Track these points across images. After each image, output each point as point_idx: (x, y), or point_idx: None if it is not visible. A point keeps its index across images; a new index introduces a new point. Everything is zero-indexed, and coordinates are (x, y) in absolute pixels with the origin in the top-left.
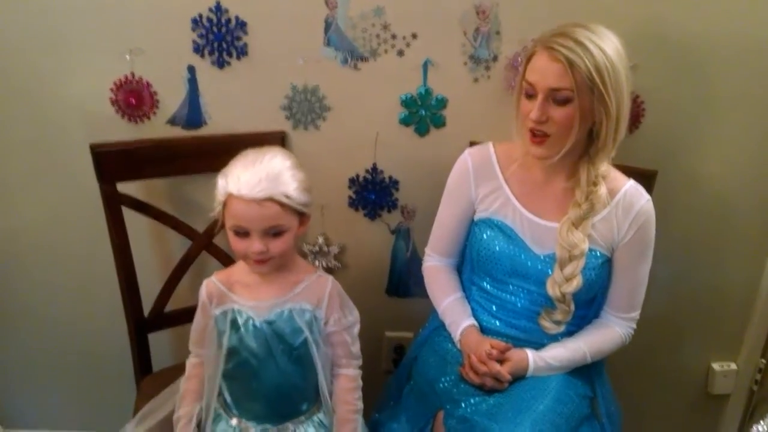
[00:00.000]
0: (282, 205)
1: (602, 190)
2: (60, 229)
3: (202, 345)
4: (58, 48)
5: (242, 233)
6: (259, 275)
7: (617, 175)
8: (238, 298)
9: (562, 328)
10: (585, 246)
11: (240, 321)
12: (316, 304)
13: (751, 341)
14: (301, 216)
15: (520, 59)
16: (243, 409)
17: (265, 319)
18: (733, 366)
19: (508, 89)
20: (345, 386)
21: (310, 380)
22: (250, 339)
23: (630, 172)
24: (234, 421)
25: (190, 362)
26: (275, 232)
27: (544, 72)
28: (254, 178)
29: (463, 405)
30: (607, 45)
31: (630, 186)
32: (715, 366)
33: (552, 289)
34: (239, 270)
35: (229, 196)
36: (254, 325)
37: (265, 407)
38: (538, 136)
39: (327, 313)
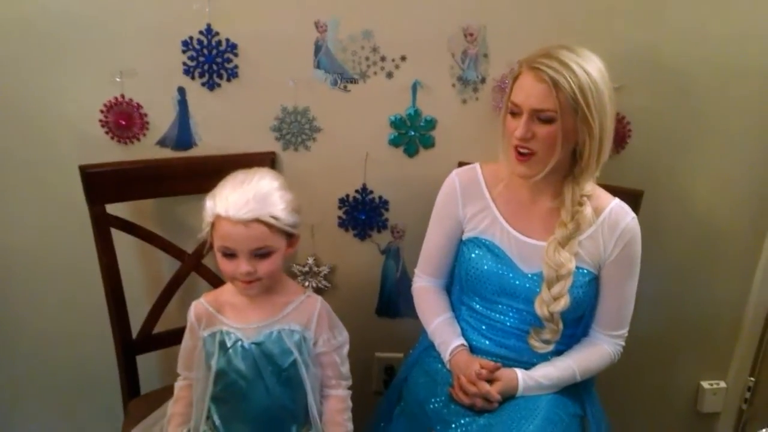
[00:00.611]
0: (269, 226)
1: (587, 210)
2: (48, 249)
3: (191, 367)
4: (49, 69)
5: (230, 254)
6: (248, 297)
7: (602, 194)
8: (227, 320)
9: (551, 347)
10: (572, 265)
11: (228, 342)
12: (306, 324)
13: (740, 359)
14: (290, 237)
15: (507, 81)
16: (234, 430)
17: (253, 341)
18: (723, 384)
19: (495, 110)
20: (335, 407)
21: (299, 402)
22: (239, 361)
23: (617, 191)
24: None
25: (178, 385)
26: (263, 253)
27: (529, 92)
28: (242, 199)
29: (453, 426)
30: (590, 66)
31: (615, 204)
32: (705, 384)
33: (540, 309)
34: (228, 291)
35: (217, 217)
36: (243, 347)
37: (255, 430)
38: (522, 155)
39: (316, 333)
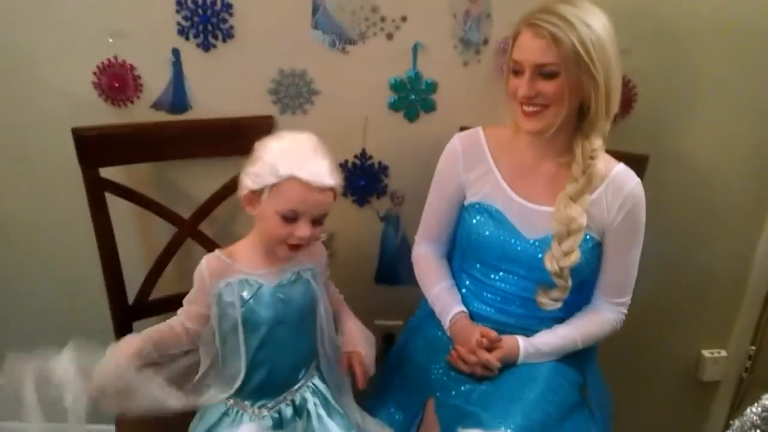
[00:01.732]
0: (335, 194)
1: (599, 164)
2: (41, 215)
3: (196, 322)
4: (40, 30)
5: (291, 218)
6: (264, 249)
7: (607, 159)
8: (246, 268)
9: (559, 304)
10: (583, 220)
11: (250, 290)
12: (317, 262)
13: (742, 328)
14: None
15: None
16: (239, 388)
17: (277, 284)
18: (724, 353)
19: (498, 73)
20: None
21: (310, 343)
22: (262, 307)
23: (621, 156)
24: (230, 401)
25: (175, 323)
26: (321, 219)
27: (529, 49)
28: (323, 166)
29: (453, 393)
30: (591, 19)
31: (620, 169)
32: (706, 353)
33: (550, 264)
34: (240, 247)
35: (291, 179)
36: (265, 292)
37: (264, 380)
38: (530, 111)
39: (323, 272)
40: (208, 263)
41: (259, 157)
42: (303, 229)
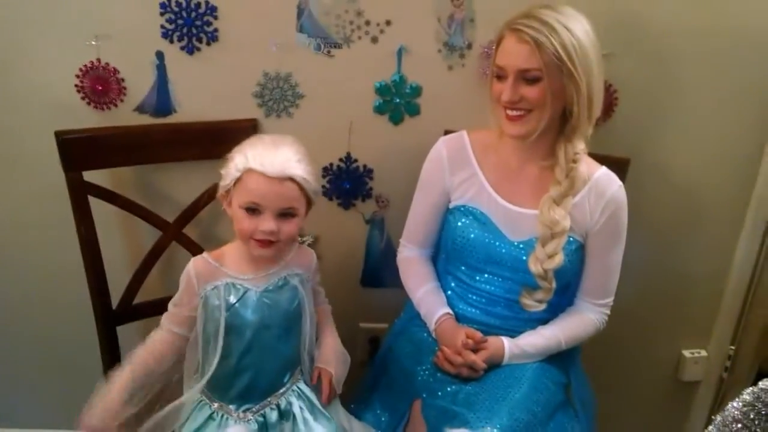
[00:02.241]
0: (300, 188)
1: (582, 167)
2: (24, 220)
3: (179, 324)
4: (23, 33)
5: (253, 211)
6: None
7: (590, 162)
8: (232, 272)
9: (543, 306)
10: (567, 223)
11: (236, 294)
12: (306, 268)
13: (721, 328)
14: (308, 206)
15: (493, 47)
16: (223, 393)
17: (263, 289)
18: (704, 353)
19: (482, 77)
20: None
21: (295, 347)
22: (247, 311)
23: (603, 160)
24: (215, 405)
25: (159, 336)
26: (287, 214)
27: (512, 54)
28: (278, 157)
29: (440, 394)
30: (573, 25)
31: (602, 172)
32: (686, 353)
33: (534, 266)
34: (227, 249)
35: (248, 172)
36: (252, 297)
37: (249, 384)
38: (513, 115)
39: (313, 278)
40: (195, 265)
41: (229, 158)
42: (266, 223)
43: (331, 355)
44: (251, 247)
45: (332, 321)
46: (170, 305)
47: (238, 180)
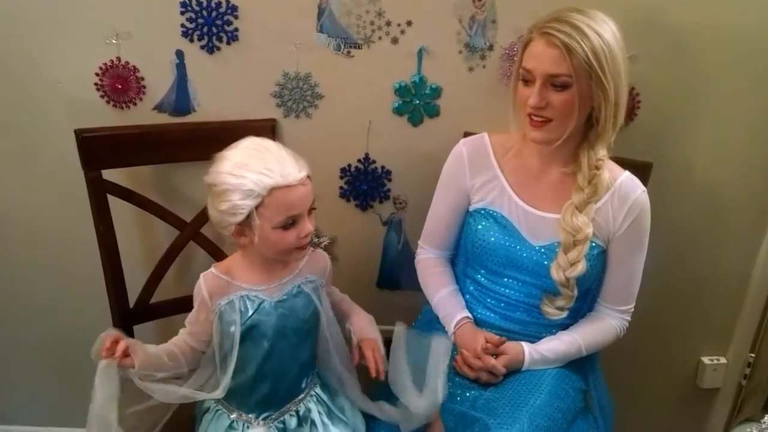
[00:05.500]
0: (310, 180)
1: (605, 174)
2: (43, 217)
3: (199, 342)
4: (43, 31)
5: (290, 224)
6: (262, 261)
7: (613, 167)
8: (245, 285)
9: (564, 314)
10: (589, 231)
11: (252, 306)
12: (321, 274)
13: (741, 335)
14: None
15: (516, 48)
16: (243, 402)
17: (278, 299)
18: (723, 360)
19: (503, 79)
20: (360, 315)
21: (311, 352)
22: (263, 323)
23: (625, 163)
24: (233, 415)
25: (180, 338)
26: (311, 209)
27: (541, 58)
28: (288, 163)
29: (459, 399)
30: (603, 29)
31: (625, 177)
32: (705, 360)
33: (556, 274)
34: (235, 260)
35: (273, 191)
36: (267, 307)
37: (269, 392)
38: (538, 121)
39: (327, 284)
40: (206, 282)
41: (223, 191)
42: (306, 227)
43: (366, 325)
44: (293, 256)
45: (352, 302)
46: (187, 323)
47: (258, 206)
